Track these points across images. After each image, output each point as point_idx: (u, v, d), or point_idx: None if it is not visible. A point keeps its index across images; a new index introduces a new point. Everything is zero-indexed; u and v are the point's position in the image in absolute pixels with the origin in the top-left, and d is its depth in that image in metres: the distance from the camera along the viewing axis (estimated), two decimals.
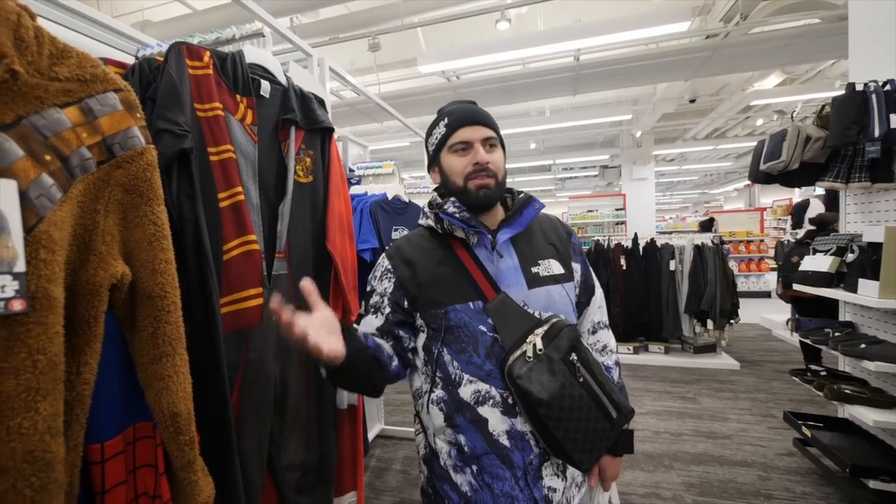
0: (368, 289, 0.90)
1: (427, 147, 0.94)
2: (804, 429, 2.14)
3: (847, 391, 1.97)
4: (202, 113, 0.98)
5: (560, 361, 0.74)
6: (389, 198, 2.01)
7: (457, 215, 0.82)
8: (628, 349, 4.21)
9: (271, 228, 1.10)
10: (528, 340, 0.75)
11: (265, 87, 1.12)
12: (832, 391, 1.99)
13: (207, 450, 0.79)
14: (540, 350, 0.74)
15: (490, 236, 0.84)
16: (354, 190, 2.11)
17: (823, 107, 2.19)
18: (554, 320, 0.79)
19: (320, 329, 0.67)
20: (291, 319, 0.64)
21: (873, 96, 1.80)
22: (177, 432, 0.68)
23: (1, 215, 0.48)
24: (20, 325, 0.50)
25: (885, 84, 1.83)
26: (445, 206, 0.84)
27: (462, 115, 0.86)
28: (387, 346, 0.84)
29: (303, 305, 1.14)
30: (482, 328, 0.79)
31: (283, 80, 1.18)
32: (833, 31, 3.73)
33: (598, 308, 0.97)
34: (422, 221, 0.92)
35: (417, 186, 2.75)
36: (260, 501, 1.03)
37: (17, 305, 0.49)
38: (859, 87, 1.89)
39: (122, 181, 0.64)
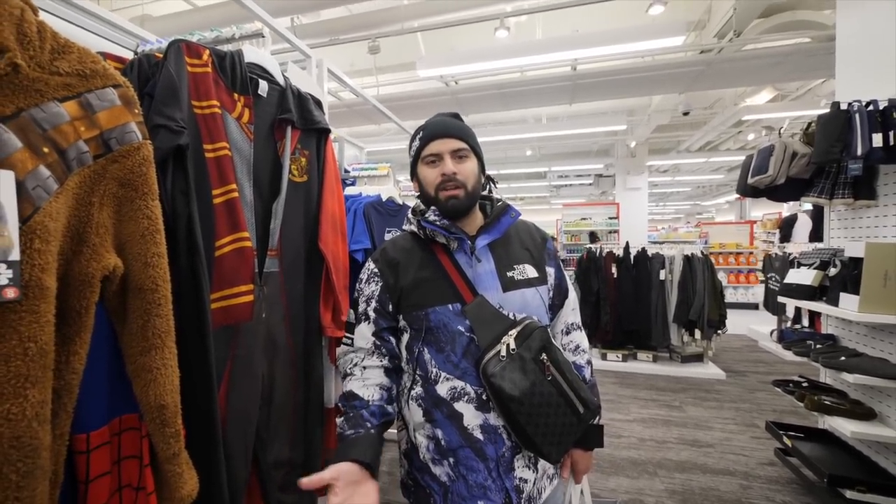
0: (356, 294, 0.93)
1: (410, 160, 0.99)
2: (785, 439, 2.18)
3: (827, 402, 2.01)
4: (199, 110, 0.99)
5: (531, 361, 0.79)
6: (384, 199, 2.02)
7: (437, 223, 0.87)
8: (617, 357, 4.24)
9: (264, 226, 1.11)
10: (502, 341, 0.79)
11: (263, 86, 1.14)
12: (812, 402, 2.03)
13: (193, 444, 0.79)
14: (513, 350, 0.78)
15: (469, 242, 0.89)
16: (349, 191, 2.12)
17: (809, 124, 2.25)
18: (527, 322, 0.84)
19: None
20: None
21: (857, 115, 1.86)
22: (163, 424, 0.69)
23: None
24: (12, 313, 0.50)
25: (868, 104, 1.88)
26: (427, 215, 0.89)
27: (434, 128, 0.91)
28: (386, 378, 0.87)
29: (293, 303, 1.16)
30: (460, 328, 0.83)
31: (280, 81, 1.20)
32: (823, 51, 3.83)
33: (572, 310, 1.02)
34: (406, 227, 0.97)
35: (412, 189, 2.77)
36: (244, 498, 1.03)
37: (11, 293, 0.49)
38: (843, 107, 1.94)
39: (118, 175, 0.65)
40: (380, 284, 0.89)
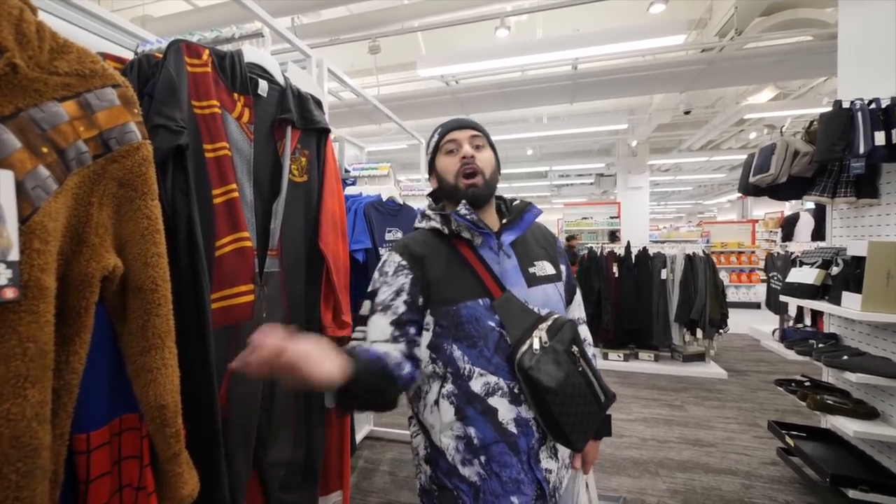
0: (374, 287, 0.89)
1: (427, 159, 1.00)
2: (787, 438, 2.17)
3: (829, 402, 2.01)
4: (199, 110, 0.99)
5: (564, 353, 0.80)
6: (384, 199, 2.02)
7: (468, 217, 0.87)
8: (619, 356, 4.23)
9: (264, 226, 1.11)
10: (533, 335, 0.81)
11: (263, 86, 1.14)
12: (815, 401, 2.02)
13: (194, 445, 0.80)
14: (545, 343, 0.80)
15: (495, 238, 0.90)
16: (349, 191, 2.12)
17: (811, 122, 2.24)
18: (555, 316, 0.86)
19: (309, 357, 0.61)
20: (274, 348, 0.57)
21: (859, 114, 1.85)
22: (163, 424, 0.69)
23: None
24: (12, 313, 0.50)
25: (870, 102, 1.88)
26: (459, 209, 0.88)
27: (451, 122, 0.95)
28: (395, 351, 0.80)
29: (294, 303, 1.16)
30: (490, 324, 0.84)
31: (280, 80, 1.20)
32: (825, 49, 3.82)
33: (578, 306, 1.06)
34: (422, 224, 0.95)
35: (413, 189, 2.76)
36: (245, 498, 1.03)
37: (10, 293, 0.49)
38: (846, 105, 1.93)
39: (117, 175, 0.65)
40: (409, 277, 0.86)
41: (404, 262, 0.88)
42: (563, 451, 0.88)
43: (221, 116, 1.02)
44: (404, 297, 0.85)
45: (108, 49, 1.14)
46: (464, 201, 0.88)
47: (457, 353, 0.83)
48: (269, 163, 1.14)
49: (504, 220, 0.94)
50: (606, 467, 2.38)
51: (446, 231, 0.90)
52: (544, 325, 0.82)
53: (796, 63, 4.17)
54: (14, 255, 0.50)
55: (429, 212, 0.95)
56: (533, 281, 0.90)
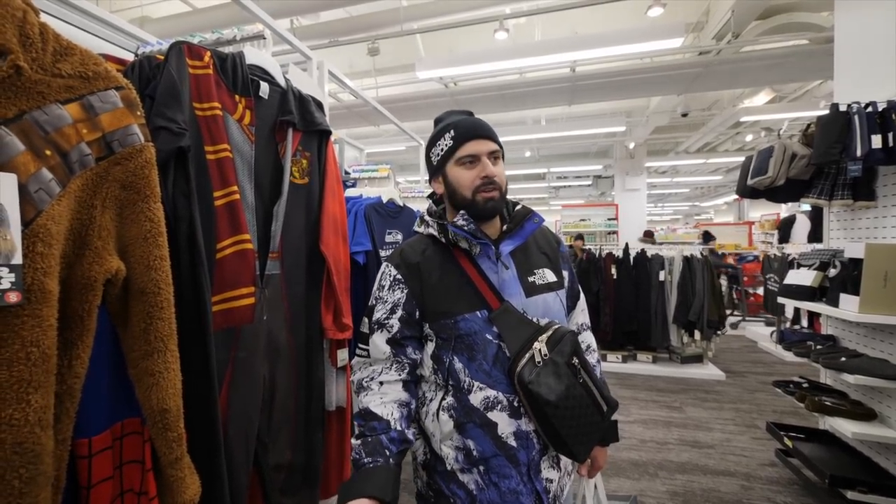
0: (372, 302, 0.89)
1: (430, 157, 0.94)
2: (786, 440, 2.18)
3: (827, 403, 2.02)
4: (200, 112, 0.98)
5: (564, 365, 0.79)
6: (384, 201, 2.02)
7: (465, 227, 0.85)
8: (617, 358, 4.24)
9: (265, 228, 1.11)
10: (533, 347, 0.79)
11: (264, 88, 1.14)
12: (813, 403, 2.03)
13: (194, 448, 0.79)
14: (545, 355, 0.78)
15: (494, 248, 0.87)
16: (349, 192, 2.11)
17: (809, 125, 2.26)
18: (555, 326, 0.84)
19: None
20: None
21: (856, 117, 1.86)
22: (165, 428, 0.69)
23: (0, 208, 0.49)
24: (15, 317, 0.50)
25: (867, 106, 1.89)
26: (456, 220, 0.86)
27: (469, 128, 0.88)
28: (403, 395, 0.84)
29: (295, 306, 1.15)
30: (488, 336, 0.82)
31: (282, 82, 1.19)
32: (820, 53, 3.85)
33: (582, 311, 1.03)
34: (421, 229, 0.93)
35: (412, 190, 2.76)
36: (245, 501, 1.02)
37: (13, 297, 0.49)
38: (843, 108, 1.95)
39: (120, 178, 0.65)
40: (405, 291, 0.86)
41: (399, 276, 0.87)
42: (566, 460, 0.87)
43: (223, 118, 1.02)
44: (399, 313, 0.86)
45: (107, 51, 1.14)
46: (462, 212, 0.85)
47: (457, 365, 0.83)
48: (271, 165, 1.14)
49: (504, 228, 0.91)
50: (606, 469, 2.38)
51: (443, 240, 0.88)
52: (544, 337, 0.80)
53: (792, 66, 4.21)
54: (17, 259, 0.50)
55: (427, 218, 0.92)
56: (532, 290, 0.87)
